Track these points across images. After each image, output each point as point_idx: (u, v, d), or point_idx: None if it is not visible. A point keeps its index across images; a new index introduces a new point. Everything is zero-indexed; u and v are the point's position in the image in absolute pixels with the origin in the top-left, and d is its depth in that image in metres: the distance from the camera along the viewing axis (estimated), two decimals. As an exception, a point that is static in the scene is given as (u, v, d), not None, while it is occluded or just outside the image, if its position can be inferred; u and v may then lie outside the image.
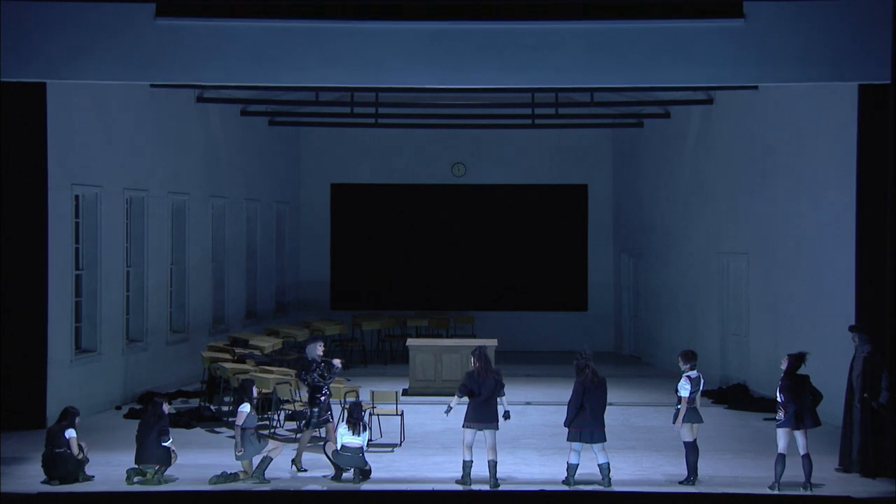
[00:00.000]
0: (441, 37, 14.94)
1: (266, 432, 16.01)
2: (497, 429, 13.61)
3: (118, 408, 18.92)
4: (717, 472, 14.25)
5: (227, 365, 18.06)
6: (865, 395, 14.09)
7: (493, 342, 20.86)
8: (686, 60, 14.94)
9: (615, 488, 13.46)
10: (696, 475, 13.68)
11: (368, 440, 14.29)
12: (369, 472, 13.94)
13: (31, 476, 13.76)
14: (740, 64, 14.90)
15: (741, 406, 19.30)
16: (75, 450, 13.57)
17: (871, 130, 14.97)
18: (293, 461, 14.33)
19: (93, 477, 13.76)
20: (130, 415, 18.04)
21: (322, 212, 28.62)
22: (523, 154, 28.32)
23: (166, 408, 13.96)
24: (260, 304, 25.98)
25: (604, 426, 13.54)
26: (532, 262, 28.41)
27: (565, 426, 13.58)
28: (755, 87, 19.22)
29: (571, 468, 13.55)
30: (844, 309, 16.16)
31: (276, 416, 17.40)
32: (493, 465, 13.56)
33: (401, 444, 16.16)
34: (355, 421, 13.80)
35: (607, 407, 13.69)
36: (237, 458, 13.85)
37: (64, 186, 17.61)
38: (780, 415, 13.41)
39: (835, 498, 13.13)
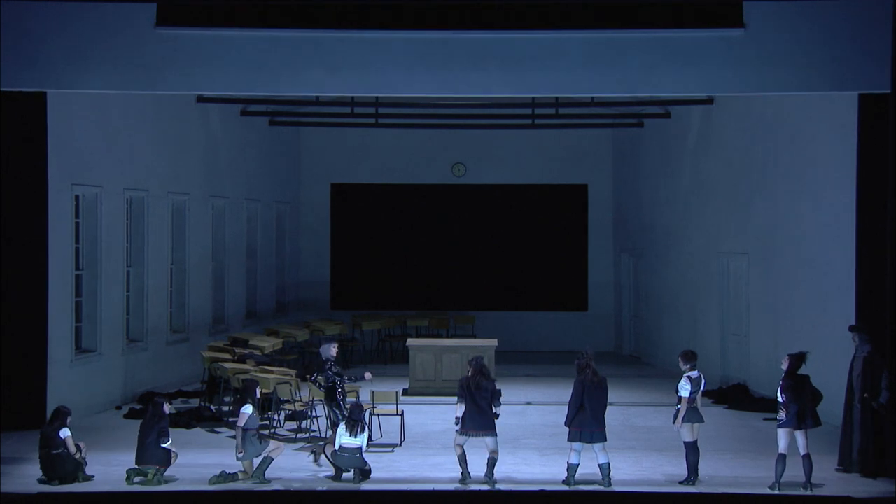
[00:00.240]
0: (441, 46, 14.96)
1: (266, 432, 16.00)
2: (495, 435, 13.64)
3: (118, 408, 18.93)
4: (717, 472, 14.25)
5: (228, 365, 18.06)
6: (865, 395, 14.09)
7: (493, 342, 20.89)
8: (686, 69, 14.96)
9: (615, 488, 13.46)
10: (697, 475, 13.68)
11: (368, 440, 14.29)
12: (369, 472, 13.95)
13: (30, 476, 13.76)
14: (740, 73, 14.91)
15: (741, 406, 19.30)
16: (72, 448, 13.57)
17: (870, 139, 14.96)
18: (320, 456, 14.32)
19: (93, 477, 13.77)
20: (130, 415, 18.05)
21: (322, 212, 28.63)
22: (523, 154, 28.32)
23: (167, 408, 13.96)
24: (260, 304, 25.98)
25: (604, 426, 13.54)
26: (532, 262, 28.41)
27: (566, 426, 13.59)
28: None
29: (572, 468, 13.55)
30: (844, 309, 16.16)
31: (276, 417, 17.40)
32: (492, 462, 13.58)
33: (401, 444, 16.16)
34: (354, 422, 13.81)
35: (608, 407, 13.70)
36: (238, 459, 13.85)
37: (64, 186, 17.61)
38: (782, 415, 13.41)
39: (835, 498, 13.13)
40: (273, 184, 26.94)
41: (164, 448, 13.61)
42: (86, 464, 13.78)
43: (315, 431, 16.79)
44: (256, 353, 19.29)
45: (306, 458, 14.91)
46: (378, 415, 16.33)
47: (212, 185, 23.28)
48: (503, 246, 28.47)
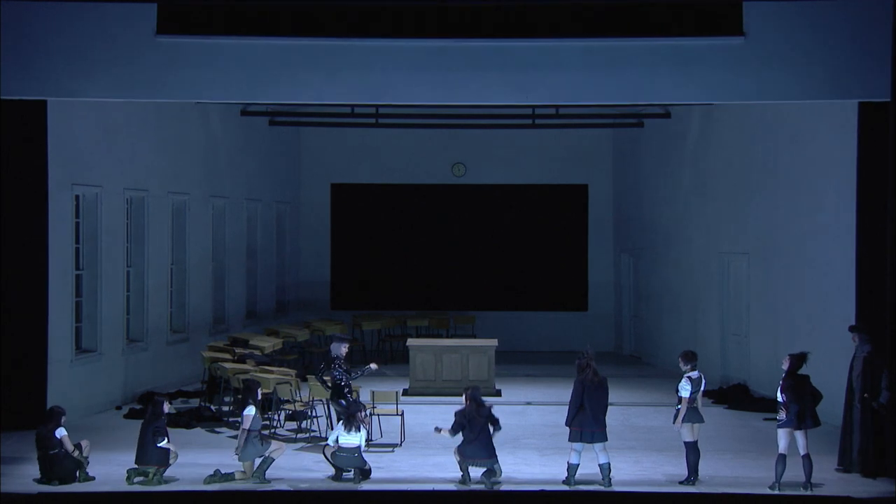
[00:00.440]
0: (441, 54, 14.97)
1: (267, 432, 16.00)
2: (497, 461, 13.68)
3: (118, 408, 18.93)
4: (717, 472, 14.25)
5: (228, 365, 18.06)
6: (865, 395, 14.09)
7: (493, 342, 20.89)
8: (686, 77, 14.98)
9: (615, 488, 13.47)
10: (697, 475, 13.68)
11: (367, 440, 14.28)
12: (369, 471, 13.95)
13: (30, 476, 13.76)
14: (740, 81, 14.93)
15: (741, 406, 19.30)
16: (70, 447, 13.56)
17: (870, 148, 14.96)
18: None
19: (94, 478, 13.76)
20: (131, 415, 18.05)
21: (322, 212, 28.62)
22: (523, 154, 28.31)
23: (167, 407, 13.95)
24: (260, 304, 25.98)
25: (605, 426, 13.54)
26: (532, 262, 28.41)
27: (566, 426, 13.60)
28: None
29: (572, 468, 13.56)
30: (844, 309, 16.16)
31: (276, 417, 17.40)
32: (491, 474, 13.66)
33: (401, 444, 16.17)
34: (352, 417, 13.82)
35: (608, 407, 13.70)
36: (238, 458, 13.84)
37: (64, 186, 17.61)
38: (782, 415, 13.42)
39: (835, 498, 13.14)
40: (273, 184, 26.94)
41: (161, 447, 13.60)
42: (87, 463, 13.78)
43: (315, 431, 16.79)
44: (256, 353, 19.29)
45: (307, 459, 14.91)
46: (378, 415, 16.33)
47: (212, 185, 23.28)
48: (503, 246, 28.47)
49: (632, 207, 27.17)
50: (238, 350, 19.24)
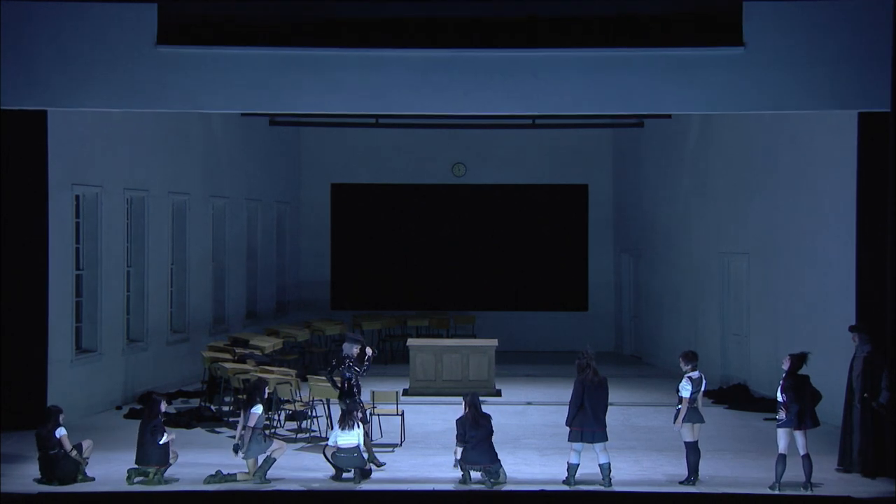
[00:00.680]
0: (443, 64, 14.96)
1: (268, 432, 16.00)
2: (500, 466, 13.68)
3: (118, 408, 18.93)
4: (717, 472, 14.25)
5: (228, 365, 18.06)
6: (865, 395, 14.09)
7: (493, 342, 20.89)
8: (687, 88, 14.98)
9: (616, 488, 13.47)
10: (697, 475, 13.68)
11: (366, 439, 14.28)
12: (369, 471, 13.96)
13: (30, 476, 13.77)
14: (740, 91, 14.92)
15: (741, 406, 19.30)
16: (68, 447, 13.57)
17: (870, 158, 14.96)
18: (369, 460, 14.35)
19: (93, 478, 13.76)
20: (131, 415, 18.05)
21: (322, 212, 28.63)
22: (523, 154, 28.32)
23: (164, 406, 13.93)
24: (260, 304, 25.98)
25: (605, 426, 13.54)
26: (532, 262, 28.41)
27: (566, 425, 13.60)
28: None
29: (572, 468, 13.56)
30: (844, 309, 16.15)
31: (276, 416, 17.40)
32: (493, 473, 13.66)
33: (401, 444, 16.17)
34: (348, 414, 13.82)
35: (608, 407, 13.70)
36: (242, 457, 13.83)
37: (64, 186, 17.62)
38: (782, 414, 13.42)
39: (835, 498, 13.14)
40: (273, 184, 26.95)
41: (160, 446, 13.59)
42: (86, 463, 13.77)
43: (315, 431, 16.79)
44: (257, 353, 19.30)
45: (308, 459, 14.91)
46: (378, 415, 16.33)
47: (212, 185, 23.27)
48: (503, 246, 28.47)
49: (632, 207, 27.18)
50: (238, 350, 19.24)
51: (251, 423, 13.80)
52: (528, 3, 15.00)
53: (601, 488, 13.45)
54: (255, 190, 25.63)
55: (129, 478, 13.62)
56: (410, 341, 21.25)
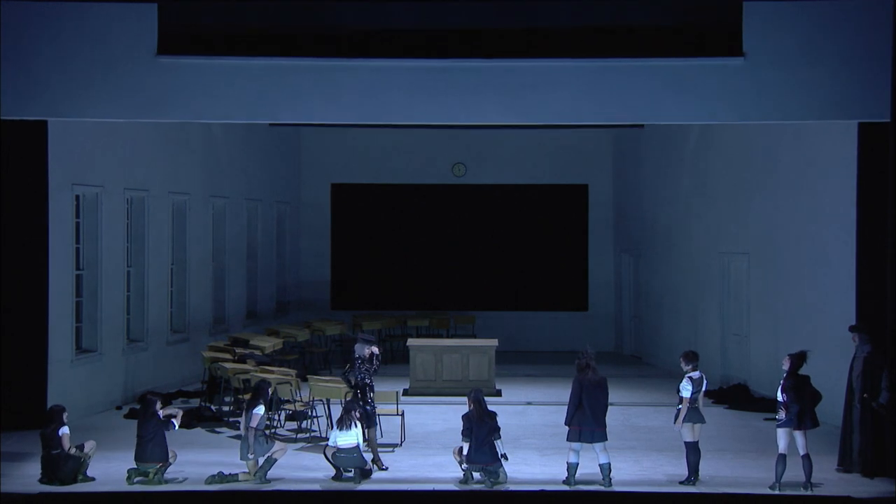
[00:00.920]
0: (441, 74, 14.98)
1: (268, 433, 16.01)
2: (502, 466, 13.68)
3: (119, 408, 18.93)
4: (717, 472, 14.25)
5: (228, 365, 18.06)
6: (865, 395, 14.09)
7: (493, 342, 20.90)
8: (686, 98, 15.01)
9: (616, 488, 13.47)
10: (697, 475, 13.69)
11: (365, 439, 14.26)
12: (370, 471, 13.96)
13: (30, 476, 13.77)
14: (740, 101, 14.94)
15: (742, 406, 19.31)
16: (66, 445, 13.56)
17: (870, 169, 14.96)
18: (373, 461, 14.35)
19: (94, 478, 13.76)
20: (131, 415, 18.03)
21: (322, 212, 28.64)
22: (523, 154, 28.33)
23: (159, 406, 13.91)
24: (260, 304, 25.99)
25: (605, 426, 13.54)
26: (532, 262, 28.42)
27: (565, 425, 13.60)
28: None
29: (571, 468, 13.56)
30: (844, 309, 16.16)
31: (276, 417, 17.40)
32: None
33: (401, 444, 16.17)
34: (346, 413, 13.82)
35: (608, 407, 13.70)
36: (248, 459, 13.82)
37: (65, 186, 17.62)
38: (781, 414, 13.42)
39: (835, 498, 13.14)
40: (273, 184, 26.95)
41: (161, 445, 13.59)
42: (87, 464, 13.76)
43: (315, 431, 16.79)
44: (257, 353, 19.30)
45: (308, 459, 14.91)
46: (378, 415, 16.31)
47: (212, 185, 23.28)
48: (503, 246, 28.48)
49: (632, 207, 27.18)
50: (238, 350, 19.24)
51: (253, 424, 13.81)
52: (527, 14, 15.02)
53: (601, 488, 13.45)
54: (255, 190, 25.64)
55: (129, 478, 13.62)
56: (410, 341, 21.26)
